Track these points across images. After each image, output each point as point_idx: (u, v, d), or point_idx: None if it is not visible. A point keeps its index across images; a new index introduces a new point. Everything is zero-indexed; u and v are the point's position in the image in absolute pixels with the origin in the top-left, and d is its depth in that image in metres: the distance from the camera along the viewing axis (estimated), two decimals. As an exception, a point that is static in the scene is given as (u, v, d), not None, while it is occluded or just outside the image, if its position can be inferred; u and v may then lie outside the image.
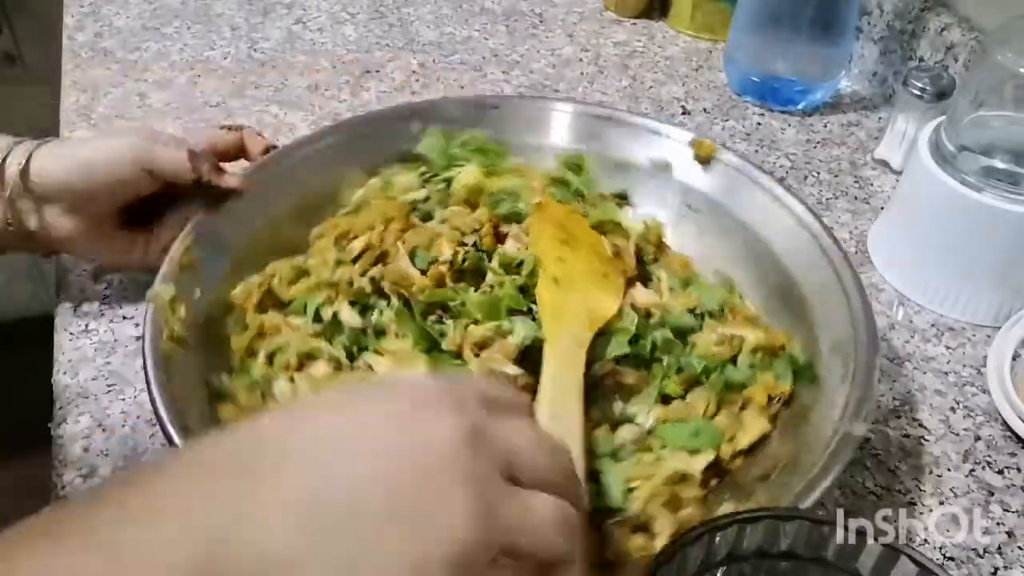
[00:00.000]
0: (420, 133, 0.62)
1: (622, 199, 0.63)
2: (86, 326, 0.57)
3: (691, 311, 0.55)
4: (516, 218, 0.59)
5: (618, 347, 0.50)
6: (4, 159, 0.52)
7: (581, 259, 0.55)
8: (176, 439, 0.41)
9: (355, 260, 0.55)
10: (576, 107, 0.66)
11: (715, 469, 0.47)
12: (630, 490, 0.44)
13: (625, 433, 0.48)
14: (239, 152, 0.60)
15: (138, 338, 0.56)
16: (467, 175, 0.60)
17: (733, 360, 0.52)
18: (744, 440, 0.48)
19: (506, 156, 0.63)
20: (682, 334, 0.53)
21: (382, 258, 0.55)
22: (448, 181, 0.61)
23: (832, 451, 0.43)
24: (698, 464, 0.46)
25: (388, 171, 0.61)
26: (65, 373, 0.54)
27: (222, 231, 0.54)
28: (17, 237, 0.53)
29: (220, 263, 0.53)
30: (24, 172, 0.52)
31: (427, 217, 0.59)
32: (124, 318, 0.58)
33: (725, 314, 0.55)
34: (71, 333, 0.57)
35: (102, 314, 0.58)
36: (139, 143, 0.53)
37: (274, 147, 0.61)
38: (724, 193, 0.60)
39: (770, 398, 0.50)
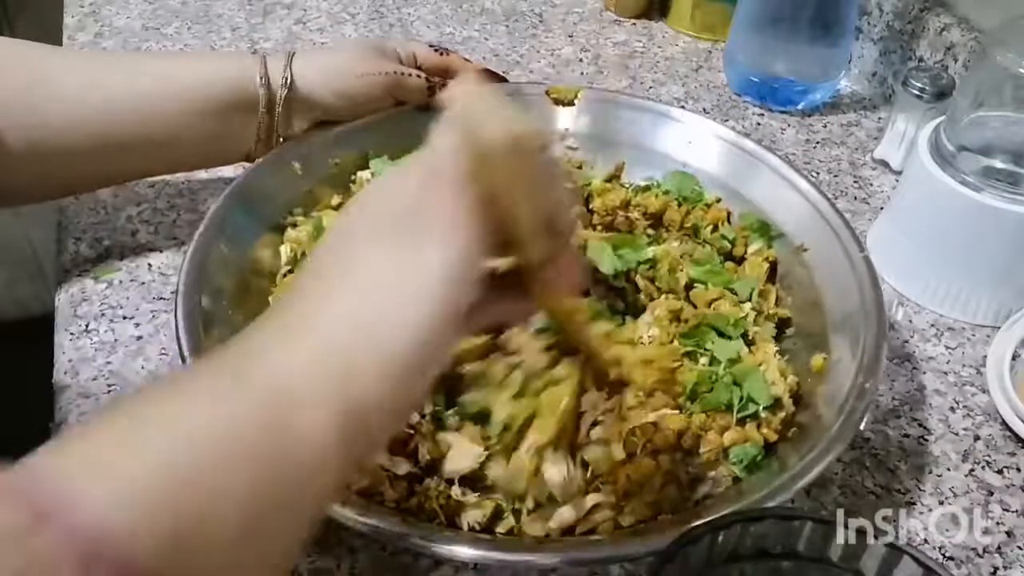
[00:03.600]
0: None
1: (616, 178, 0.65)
2: (86, 326, 0.57)
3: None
4: None
5: None
6: (265, 80, 0.59)
7: None
8: None
9: None
10: (586, 92, 0.68)
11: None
12: None
13: None
14: (445, 74, 0.66)
15: (139, 338, 0.56)
16: None
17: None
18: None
19: None
20: None
21: None
22: None
23: (834, 435, 0.45)
24: None
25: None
26: (65, 373, 0.54)
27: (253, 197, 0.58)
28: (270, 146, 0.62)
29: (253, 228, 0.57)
30: (292, 89, 0.60)
31: None
32: (124, 318, 0.58)
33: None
34: (71, 333, 0.57)
35: (102, 314, 0.58)
36: (392, 80, 0.63)
37: (488, 72, 0.68)
38: (732, 175, 0.62)
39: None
